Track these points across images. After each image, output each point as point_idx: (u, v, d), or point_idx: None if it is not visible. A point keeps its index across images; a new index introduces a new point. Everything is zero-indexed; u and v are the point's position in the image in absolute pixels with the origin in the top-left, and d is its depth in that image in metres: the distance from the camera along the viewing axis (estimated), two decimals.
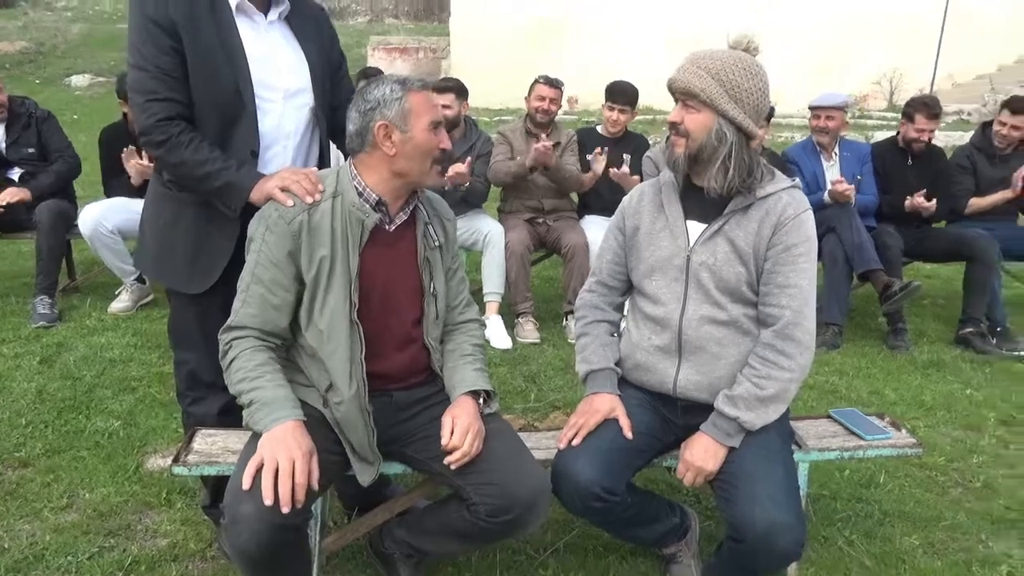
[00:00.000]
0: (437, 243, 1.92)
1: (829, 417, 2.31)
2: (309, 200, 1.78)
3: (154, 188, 2.09)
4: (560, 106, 4.38)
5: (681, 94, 1.86)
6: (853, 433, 2.19)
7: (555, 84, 4.31)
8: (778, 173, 1.94)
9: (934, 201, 4.18)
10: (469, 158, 4.10)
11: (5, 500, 2.44)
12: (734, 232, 1.89)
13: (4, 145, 4.25)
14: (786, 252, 1.84)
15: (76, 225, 4.13)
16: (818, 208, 4.16)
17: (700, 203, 1.93)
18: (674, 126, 1.88)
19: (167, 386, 3.18)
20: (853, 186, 4.09)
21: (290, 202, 1.78)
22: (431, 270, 1.91)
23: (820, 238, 4.15)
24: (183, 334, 2.14)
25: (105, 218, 4.01)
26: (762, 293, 1.88)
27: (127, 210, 3.97)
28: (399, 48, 14.78)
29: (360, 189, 1.81)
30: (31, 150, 4.27)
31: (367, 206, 1.80)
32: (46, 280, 4.06)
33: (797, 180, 1.98)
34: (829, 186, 4.18)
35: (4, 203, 4.06)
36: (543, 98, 4.27)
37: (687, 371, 1.96)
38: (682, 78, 1.84)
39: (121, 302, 4.23)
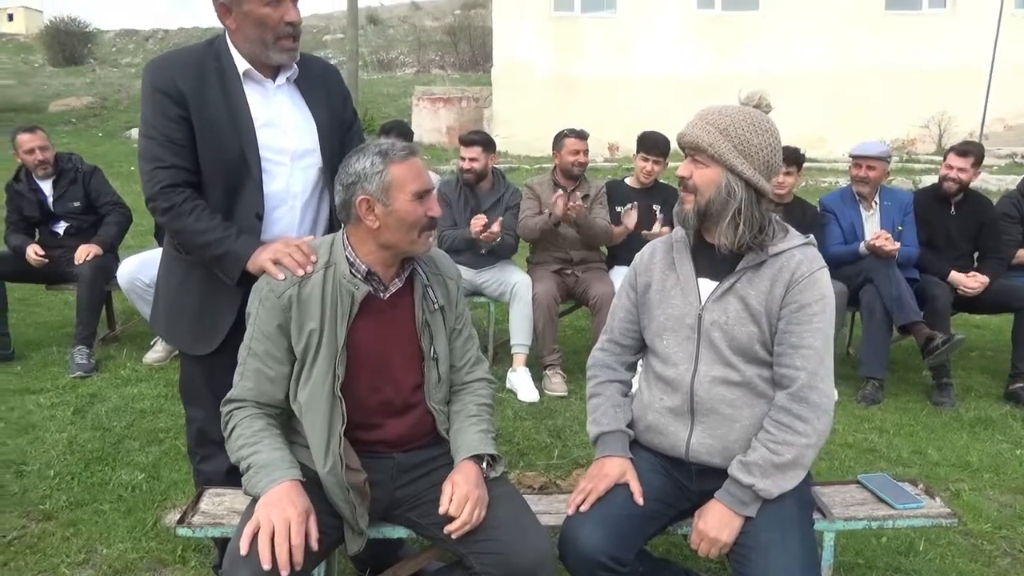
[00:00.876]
0: (437, 305, 1.89)
1: (858, 483, 2.20)
2: (300, 273, 1.79)
3: (166, 250, 2.15)
4: (588, 157, 4.38)
5: (689, 149, 1.83)
6: (882, 501, 2.08)
7: (583, 136, 4.32)
8: (791, 230, 1.89)
9: (978, 281, 4.03)
10: (500, 219, 4.14)
11: (25, 555, 2.46)
12: (746, 290, 1.83)
13: (51, 200, 4.44)
14: (800, 311, 1.78)
15: (116, 277, 4.26)
16: (855, 259, 4.08)
17: (712, 260, 1.88)
18: (683, 181, 1.86)
19: None
20: (898, 244, 3.97)
21: (281, 276, 1.79)
22: (431, 333, 1.88)
23: (857, 289, 4.08)
24: (192, 392, 2.16)
25: (141, 271, 4.11)
26: (776, 354, 1.82)
27: None
28: (443, 98, 15.10)
29: (351, 259, 1.81)
30: (76, 204, 4.45)
31: (357, 278, 1.79)
32: (85, 331, 4.18)
33: (811, 236, 1.92)
34: (868, 236, 4.07)
35: (81, 260, 4.23)
36: (577, 151, 4.28)
37: (700, 434, 1.89)
38: (690, 133, 1.82)
39: (155, 352, 4.31)
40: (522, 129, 12.90)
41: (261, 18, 1.95)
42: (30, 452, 3.18)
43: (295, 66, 2.08)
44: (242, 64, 2.01)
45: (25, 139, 4.34)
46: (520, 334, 4.11)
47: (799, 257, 1.81)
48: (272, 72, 2.06)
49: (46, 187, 4.43)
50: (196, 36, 30.00)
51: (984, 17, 11.69)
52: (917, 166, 11.35)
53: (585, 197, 4.29)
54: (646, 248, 2.06)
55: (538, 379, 4.12)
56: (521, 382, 4.04)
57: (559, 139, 4.35)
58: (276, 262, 1.82)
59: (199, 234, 1.94)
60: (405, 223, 1.76)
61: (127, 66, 25.08)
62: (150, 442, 3.31)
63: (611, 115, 12.88)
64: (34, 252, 4.25)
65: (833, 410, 1.80)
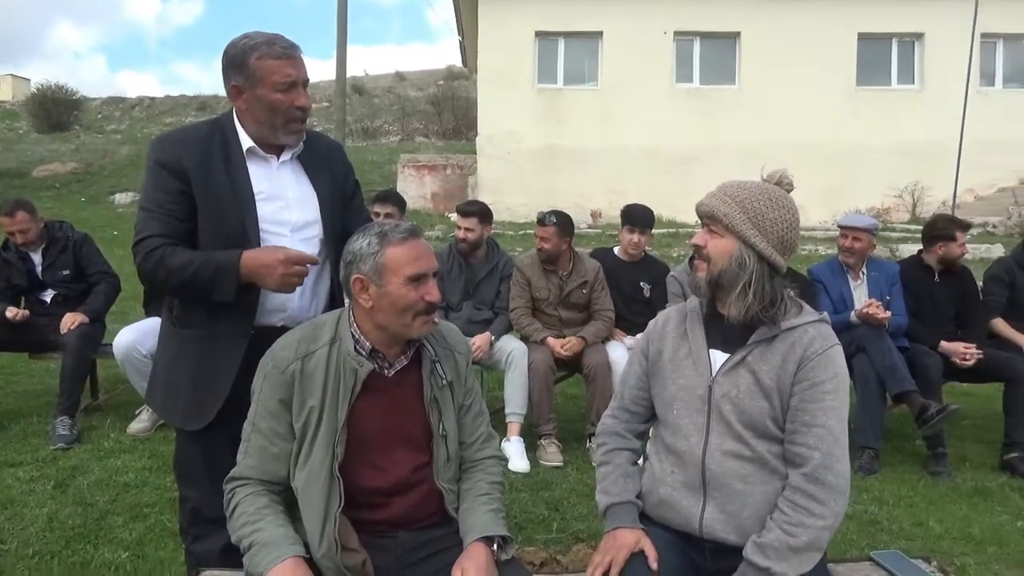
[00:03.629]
0: (445, 381, 1.85)
1: (870, 560, 2.15)
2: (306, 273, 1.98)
3: (163, 323, 2.16)
4: (562, 242, 4.26)
5: (706, 218, 1.86)
6: None
7: (545, 222, 4.27)
8: (806, 307, 1.89)
9: (970, 352, 4.07)
10: (492, 337, 4.17)
11: None
12: (757, 364, 1.82)
13: (40, 268, 4.39)
14: (813, 389, 1.77)
15: (103, 345, 4.18)
16: (845, 328, 4.12)
17: (724, 332, 1.88)
18: (697, 249, 1.88)
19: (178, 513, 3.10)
20: (889, 312, 4.03)
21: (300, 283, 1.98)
22: (440, 410, 1.85)
23: (850, 358, 4.10)
24: (187, 470, 2.13)
25: (140, 342, 4.03)
26: (788, 431, 1.80)
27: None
28: (427, 165, 15.32)
29: (356, 336, 1.78)
30: (66, 272, 4.40)
31: (361, 355, 1.77)
32: (68, 400, 4.08)
33: (825, 314, 1.93)
34: (856, 306, 4.13)
35: (66, 329, 4.15)
36: (539, 237, 4.31)
37: (712, 510, 1.85)
38: (707, 203, 1.84)
39: (140, 422, 4.19)
40: (507, 196, 13.08)
41: (273, 103, 2.01)
42: (8, 529, 3.05)
43: (300, 144, 2.13)
44: (247, 141, 2.07)
45: (5, 222, 4.29)
46: (515, 402, 4.07)
47: (812, 333, 1.81)
48: (276, 150, 2.11)
49: (36, 256, 4.39)
50: (183, 103, 30.35)
51: (951, 94, 12.18)
52: (893, 234, 11.59)
53: (584, 283, 4.31)
54: (660, 315, 2.06)
55: (531, 449, 4.06)
56: (514, 452, 3.98)
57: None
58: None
59: (185, 267, 1.96)
60: (397, 307, 1.73)
61: (112, 132, 25.23)
62: (134, 518, 3.18)
63: (594, 183, 13.15)
64: (12, 313, 4.17)
65: (849, 491, 1.78)
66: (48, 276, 4.39)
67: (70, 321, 4.19)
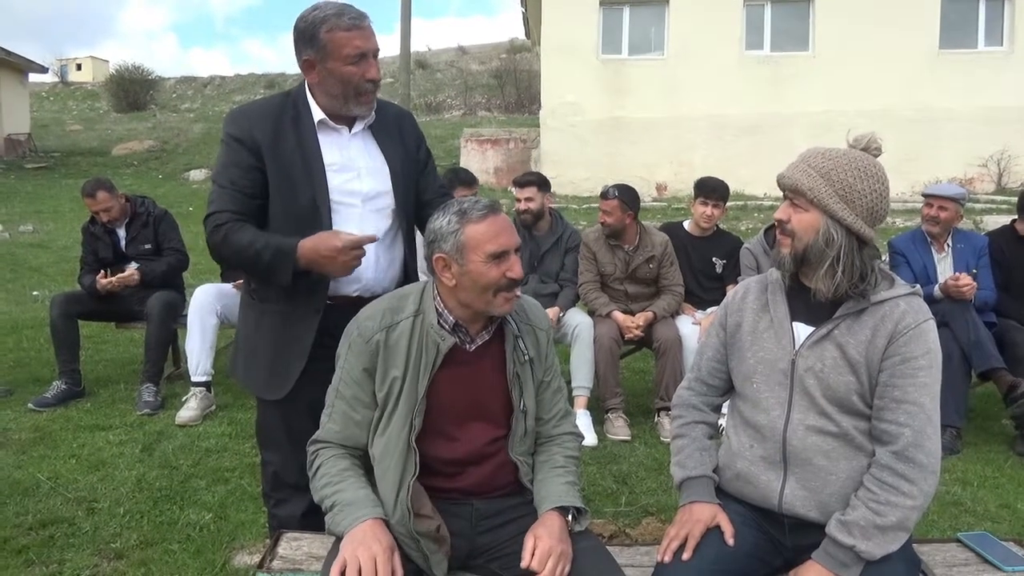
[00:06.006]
0: (527, 357, 1.85)
1: (958, 541, 2.08)
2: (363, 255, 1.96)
3: (243, 297, 2.21)
4: (625, 216, 4.16)
5: (789, 191, 1.78)
6: (987, 562, 1.96)
7: (608, 196, 4.17)
8: (897, 279, 1.81)
9: None
10: (560, 312, 4.16)
11: None
12: (844, 338, 1.76)
13: (124, 242, 4.57)
14: (904, 364, 1.69)
15: (183, 316, 4.34)
16: (929, 303, 3.93)
17: (808, 304, 1.81)
18: (781, 224, 1.80)
19: (258, 478, 3.20)
20: (974, 284, 3.84)
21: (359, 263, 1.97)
22: (520, 385, 1.84)
23: None
24: (268, 436, 2.19)
25: (218, 299, 4.19)
26: (877, 407, 1.73)
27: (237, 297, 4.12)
28: (490, 139, 15.27)
29: (440, 310, 1.79)
30: (148, 246, 4.57)
31: (444, 329, 1.78)
32: (152, 368, 4.26)
33: (918, 287, 1.84)
34: (940, 279, 3.95)
35: (120, 283, 4.34)
36: (602, 211, 4.23)
37: (793, 485, 1.80)
38: (790, 175, 1.76)
39: (189, 410, 4.06)
40: (570, 169, 12.97)
41: (345, 76, 2.01)
42: (100, 489, 3.22)
43: (372, 114, 2.14)
44: (318, 113, 2.08)
45: (88, 202, 4.47)
46: (581, 376, 4.06)
47: (904, 307, 1.73)
48: (348, 121, 2.12)
49: (120, 230, 4.58)
50: (251, 81, 31.04)
51: None
52: (977, 206, 11.03)
53: (651, 258, 4.23)
54: (739, 287, 2.00)
55: (598, 423, 4.05)
56: (582, 425, 3.94)
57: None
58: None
59: (247, 247, 1.99)
60: (479, 284, 1.72)
61: (186, 111, 26.02)
62: (216, 481, 3.32)
63: (659, 155, 12.90)
64: (100, 279, 4.35)
65: (939, 470, 1.71)
66: (131, 249, 4.57)
67: (125, 276, 4.36)
